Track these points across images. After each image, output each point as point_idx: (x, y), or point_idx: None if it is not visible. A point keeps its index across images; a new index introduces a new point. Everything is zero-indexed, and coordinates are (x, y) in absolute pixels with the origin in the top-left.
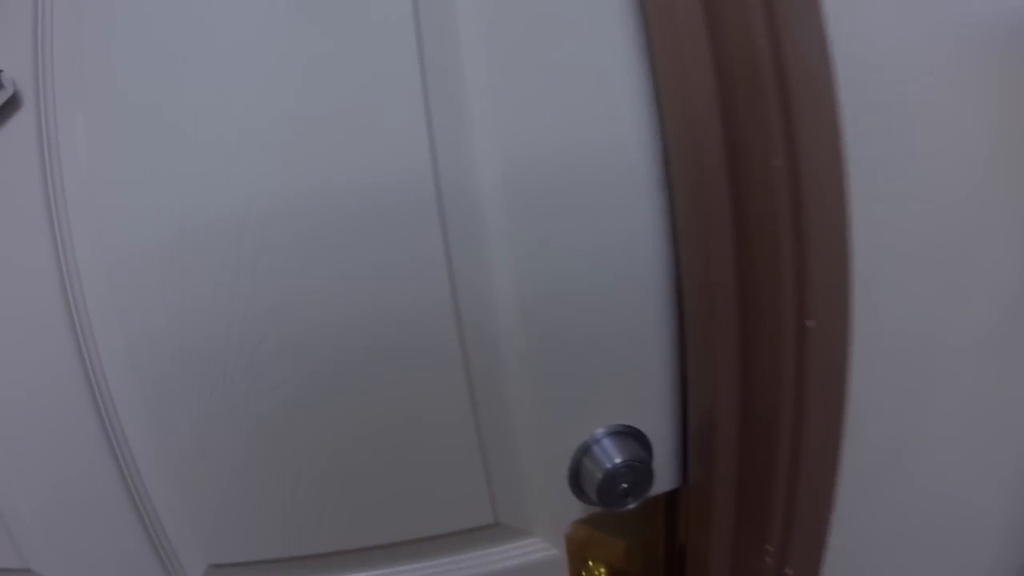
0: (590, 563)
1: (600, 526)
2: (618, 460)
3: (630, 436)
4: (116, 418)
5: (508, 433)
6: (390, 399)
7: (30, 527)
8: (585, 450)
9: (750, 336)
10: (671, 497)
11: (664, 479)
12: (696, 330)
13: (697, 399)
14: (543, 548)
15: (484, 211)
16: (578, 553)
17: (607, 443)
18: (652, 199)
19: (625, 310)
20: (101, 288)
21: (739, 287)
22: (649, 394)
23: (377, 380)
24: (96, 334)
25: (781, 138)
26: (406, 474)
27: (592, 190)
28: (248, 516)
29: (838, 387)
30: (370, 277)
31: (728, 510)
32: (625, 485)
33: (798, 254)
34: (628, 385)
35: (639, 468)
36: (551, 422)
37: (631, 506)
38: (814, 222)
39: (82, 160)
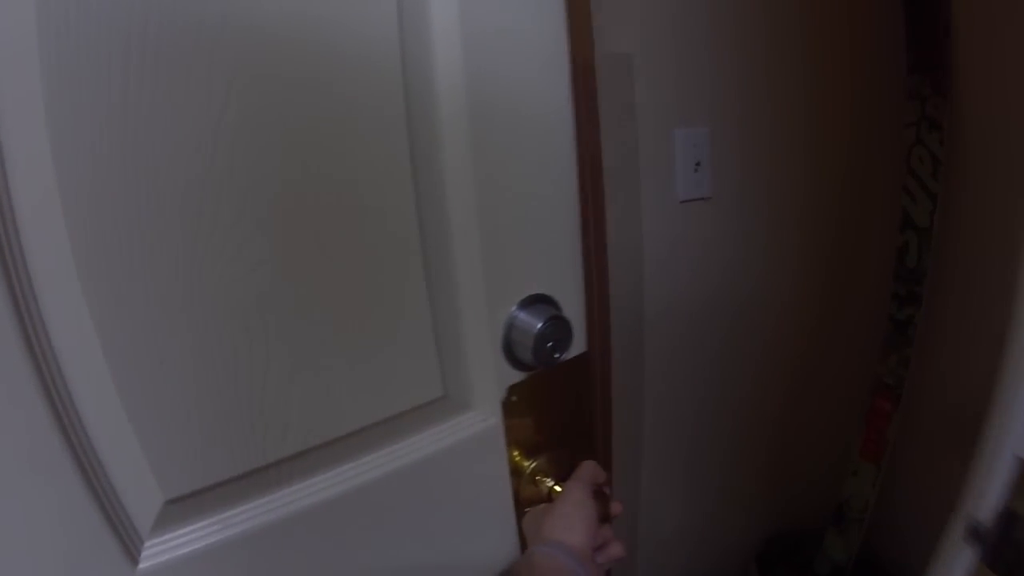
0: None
1: (514, 414)
2: (540, 324)
3: (547, 302)
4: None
5: (453, 310)
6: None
7: None
8: (512, 320)
9: None
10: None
11: (578, 342)
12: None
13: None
14: (484, 418)
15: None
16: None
17: (529, 310)
18: None
19: (543, 156)
20: None
21: None
22: (561, 264)
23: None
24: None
25: None
26: (369, 343)
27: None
28: (212, 425)
29: None
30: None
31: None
32: (551, 343)
33: None
34: (545, 255)
35: (560, 322)
36: (485, 293)
37: (559, 360)
38: None
39: None
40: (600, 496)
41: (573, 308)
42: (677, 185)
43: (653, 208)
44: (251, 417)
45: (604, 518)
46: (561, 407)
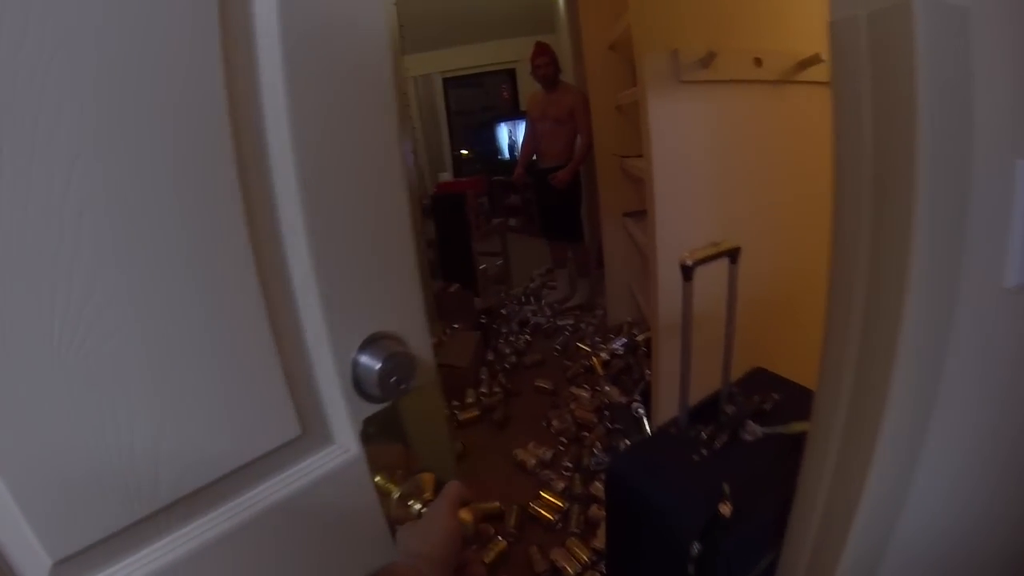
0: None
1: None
2: (380, 363)
3: (390, 339)
4: None
5: (301, 355)
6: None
7: None
8: (356, 359)
9: None
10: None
11: (425, 372)
12: None
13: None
14: (344, 451)
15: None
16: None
17: (372, 348)
18: None
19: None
20: None
21: None
22: (401, 304)
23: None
24: None
25: None
26: (224, 392)
27: None
28: (88, 484)
29: None
30: None
31: None
32: (394, 378)
33: None
34: (386, 297)
35: (400, 358)
36: (330, 338)
37: (406, 391)
38: None
39: None
40: (467, 514)
41: (419, 341)
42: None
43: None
44: (123, 473)
45: (472, 538)
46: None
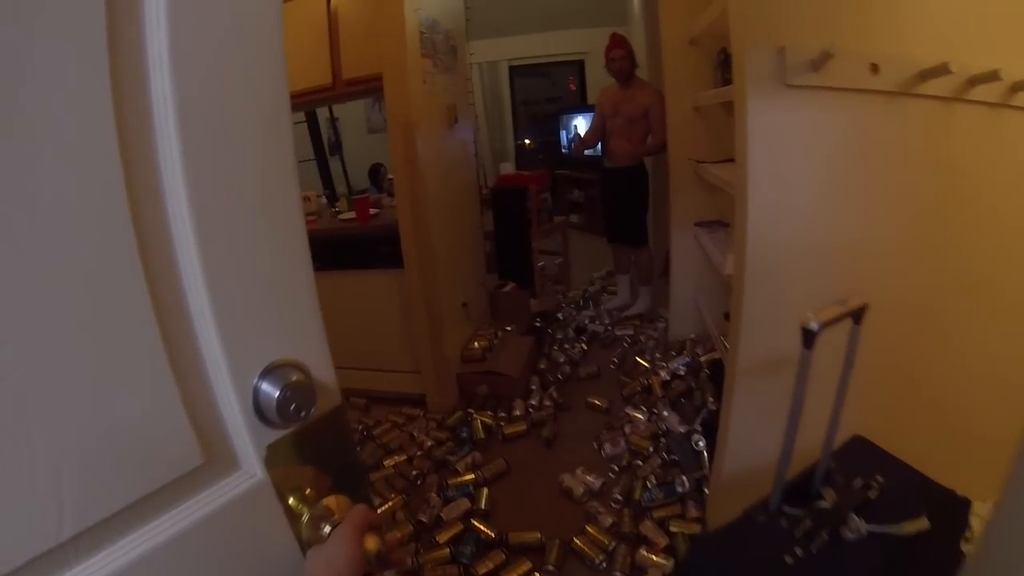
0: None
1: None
2: (279, 391)
3: (291, 366)
4: None
5: (201, 385)
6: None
7: None
8: (257, 387)
9: None
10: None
11: (329, 398)
12: None
13: None
14: (249, 477)
15: None
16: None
17: (272, 376)
18: None
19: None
20: None
21: None
22: (302, 330)
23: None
24: None
25: None
26: (124, 423)
27: None
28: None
29: None
30: None
31: None
32: (293, 405)
33: None
34: (286, 325)
35: (298, 386)
36: (229, 368)
37: (308, 418)
38: None
39: None
40: (372, 542)
41: (321, 368)
42: None
43: None
44: (26, 508)
45: (383, 561)
46: (329, 455)
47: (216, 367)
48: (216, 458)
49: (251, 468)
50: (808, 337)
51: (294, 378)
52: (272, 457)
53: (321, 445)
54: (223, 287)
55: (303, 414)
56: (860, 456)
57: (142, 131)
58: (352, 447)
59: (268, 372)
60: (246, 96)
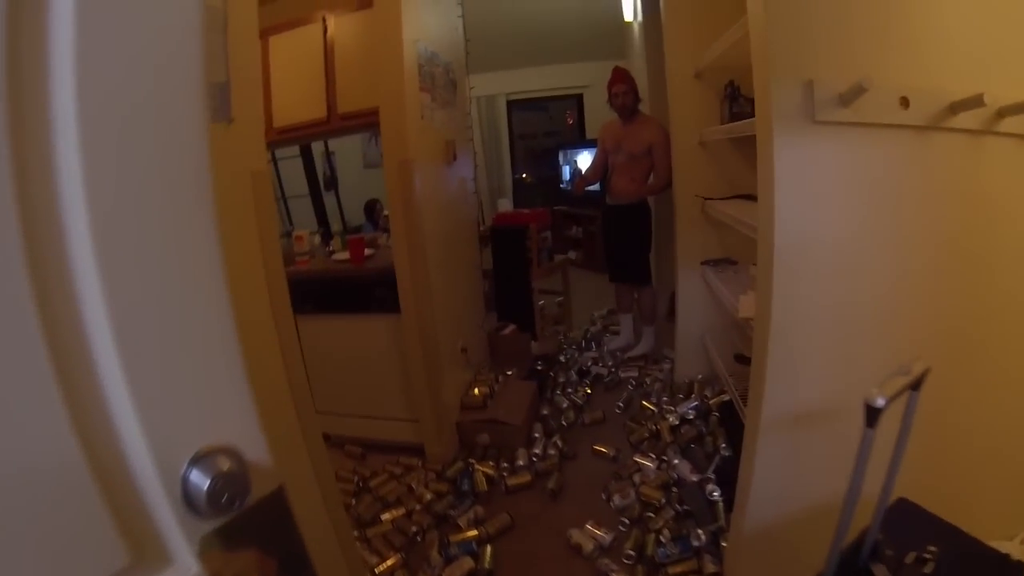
0: None
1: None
2: (208, 482)
3: (223, 453)
4: None
5: (124, 482)
6: None
7: None
8: (186, 478)
9: None
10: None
11: (267, 481)
12: None
13: None
14: (187, 570)
15: None
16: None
17: (201, 465)
18: None
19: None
20: None
21: None
22: (232, 414)
23: None
24: None
25: None
26: (38, 526)
27: None
28: None
29: None
30: None
31: None
32: (226, 495)
33: None
34: (214, 410)
35: (229, 477)
36: (153, 460)
37: (242, 507)
38: None
39: None
40: None
41: (254, 448)
42: None
43: None
44: None
45: None
46: (270, 542)
47: (140, 458)
48: (146, 555)
49: (186, 562)
50: (872, 415)
51: (225, 467)
52: (206, 550)
53: (260, 532)
54: (140, 371)
55: (237, 504)
56: (908, 521)
57: (48, 205)
58: (295, 531)
59: (196, 461)
60: (165, 165)
